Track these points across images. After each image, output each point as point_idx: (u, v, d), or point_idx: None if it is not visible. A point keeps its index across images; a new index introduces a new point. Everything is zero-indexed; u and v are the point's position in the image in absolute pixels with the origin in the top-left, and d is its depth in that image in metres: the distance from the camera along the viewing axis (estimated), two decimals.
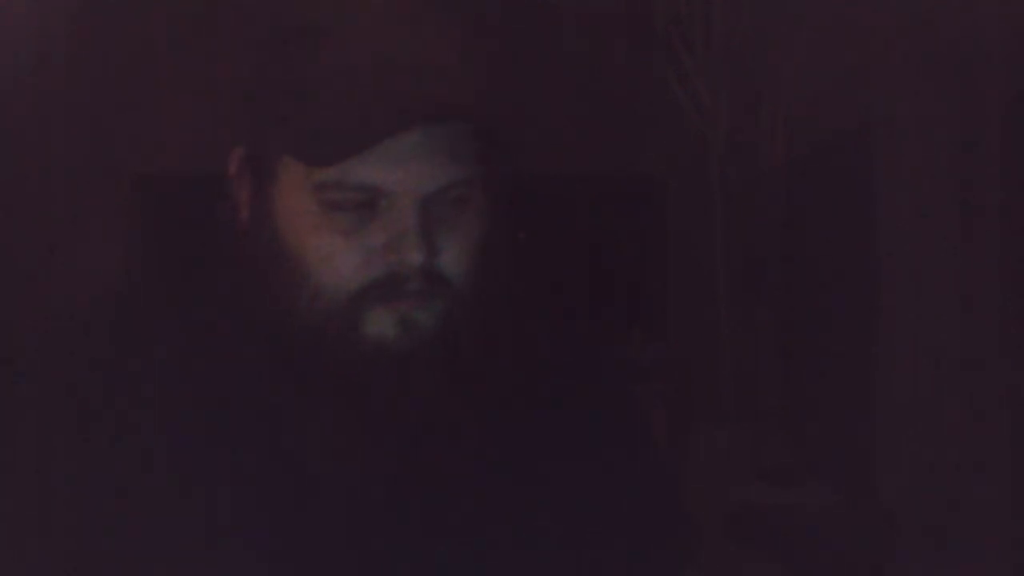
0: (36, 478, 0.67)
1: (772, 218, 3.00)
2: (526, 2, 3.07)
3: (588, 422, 0.72)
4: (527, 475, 0.69)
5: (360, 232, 0.64)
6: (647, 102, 3.34)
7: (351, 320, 0.64)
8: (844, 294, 3.08)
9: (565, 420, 0.72)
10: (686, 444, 2.77)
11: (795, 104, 2.92)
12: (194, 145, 4.10)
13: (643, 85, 3.24)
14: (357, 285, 0.64)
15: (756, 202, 2.99)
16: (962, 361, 2.32)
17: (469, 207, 0.66)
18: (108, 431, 0.68)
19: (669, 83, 2.93)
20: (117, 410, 0.68)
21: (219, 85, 4.03)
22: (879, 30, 2.54)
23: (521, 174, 0.70)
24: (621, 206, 4.11)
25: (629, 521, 0.71)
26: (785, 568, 2.34)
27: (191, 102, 4.09)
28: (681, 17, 2.92)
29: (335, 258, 0.64)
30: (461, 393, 0.65)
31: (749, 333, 3.00)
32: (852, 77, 2.70)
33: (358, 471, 0.65)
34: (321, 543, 0.66)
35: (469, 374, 0.65)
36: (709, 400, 3.04)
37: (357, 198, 0.64)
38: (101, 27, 4.13)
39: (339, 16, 0.66)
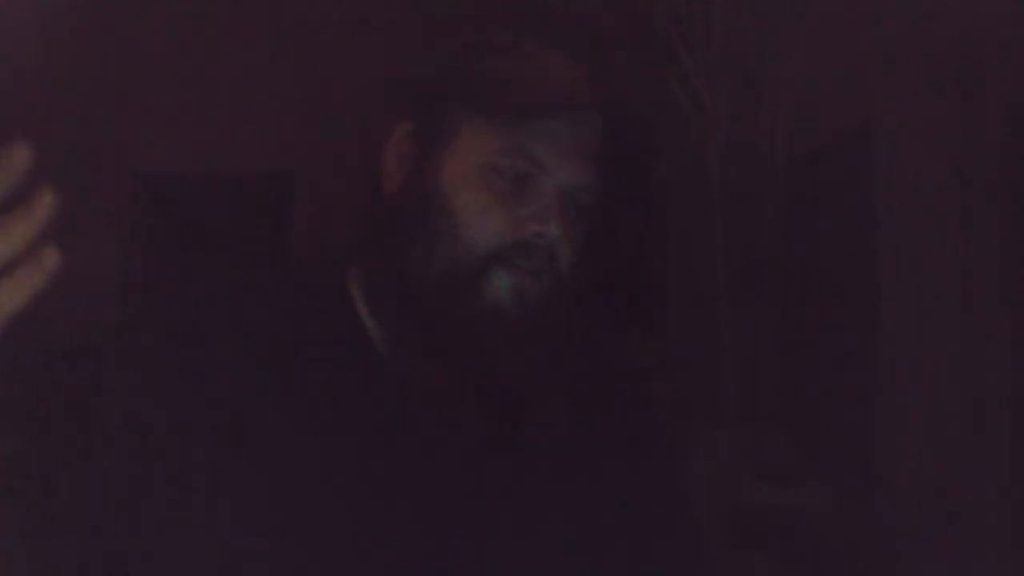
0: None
1: (772, 218, 3.00)
2: (526, 2, 3.07)
3: (598, 420, 0.77)
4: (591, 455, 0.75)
5: (511, 200, 0.74)
6: (647, 102, 3.34)
7: (478, 278, 0.72)
8: (844, 294, 3.08)
9: (581, 418, 0.76)
10: (686, 444, 2.77)
11: (795, 104, 2.93)
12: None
13: (643, 85, 3.25)
14: (496, 244, 0.73)
15: (756, 202, 3.00)
16: (962, 361, 2.32)
17: (589, 212, 0.76)
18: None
19: (669, 83, 2.93)
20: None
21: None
22: (879, 30, 2.54)
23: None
24: (620, 206, 4.12)
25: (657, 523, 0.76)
26: (785, 568, 2.35)
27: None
28: (681, 17, 2.92)
29: (487, 214, 0.73)
30: (551, 366, 0.72)
31: (749, 333, 3.00)
32: (852, 77, 2.71)
33: (461, 419, 0.71)
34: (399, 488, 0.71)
35: (556, 351, 0.72)
36: (709, 400, 3.04)
37: (521, 168, 0.74)
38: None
39: (516, 40, 0.79)
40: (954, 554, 2.25)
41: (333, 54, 4.06)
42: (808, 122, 2.94)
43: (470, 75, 0.78)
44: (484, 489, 0.72)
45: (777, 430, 2.90)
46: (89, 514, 0.71)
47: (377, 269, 0.75)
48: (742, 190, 3.01)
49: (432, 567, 0.70)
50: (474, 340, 0.72)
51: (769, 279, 3.06)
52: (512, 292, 0.72)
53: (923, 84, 2.44)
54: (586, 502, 0.73)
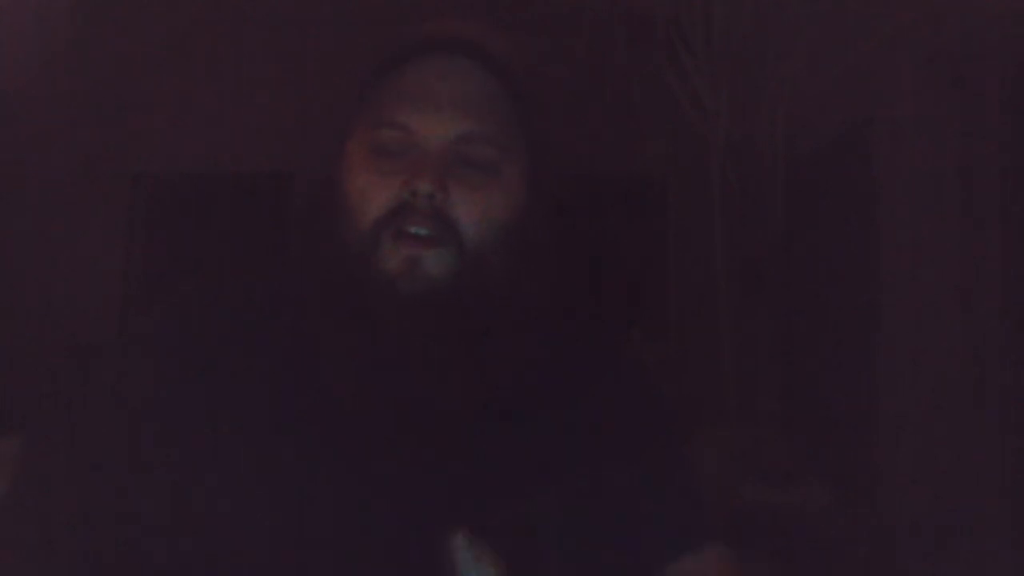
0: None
1: (772, 218, 3.00)
2: (526, 3, 3.08)
3: (585, 412, 0.75)
4: (514, 439, 0.73)
5: (391, 171, 0.72)
6: (647, 102, 3.34)
7: (371, 252, 0.71)
8: (844, 294, 3.08)
9: (558, 407, 0.74)
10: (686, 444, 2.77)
11: (795, 104, 2.93)
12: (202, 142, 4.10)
13: (643, 85, 3.25)
14: (378, 214, 0.71)
15: (756, 202, 3.00)
16: (962, 361, 2.32)
17: (499, 177, 0.72)
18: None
19: (669, 83, 2.93)
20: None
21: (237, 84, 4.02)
22: (879, 30, 2.54)
23: (555, 156, 0.76)
24: (621, 206, 4.13)
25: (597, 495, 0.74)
26: (785, 568, 2.35)
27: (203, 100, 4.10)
28: (681, 17, 2.92)
29: (368, 190, 0.72)
30: (455, 342, 0.69)
31: (749, 333, 3.00)
32: (852, 77, 2.71)
33: (358, 392, 0.70)
34: (319, 470, 0.70)
35: (468, 327, 0.70)
36: (709, 400, 3.04)
37: (397, 138, 0.72)
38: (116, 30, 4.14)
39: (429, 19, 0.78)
40: (954, 554, 2.25)
41: (334, 54, 4.06)
42: (808, 122, 2.94)
43: (368, 75, 0.77)
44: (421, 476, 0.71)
45: (777, 430, 2.90)
46: (89, 512, 0.71)
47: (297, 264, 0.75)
48: (742, 190, 3.01)
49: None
50: (366, 313, 0.70)
51: (769, 279, 3.06)
52: (406, 262, 0.70)
53: (923, 84, 2.44)
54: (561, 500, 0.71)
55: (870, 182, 2.70)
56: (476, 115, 0.71)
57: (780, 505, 2.58)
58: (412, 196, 0.70)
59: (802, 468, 2.72)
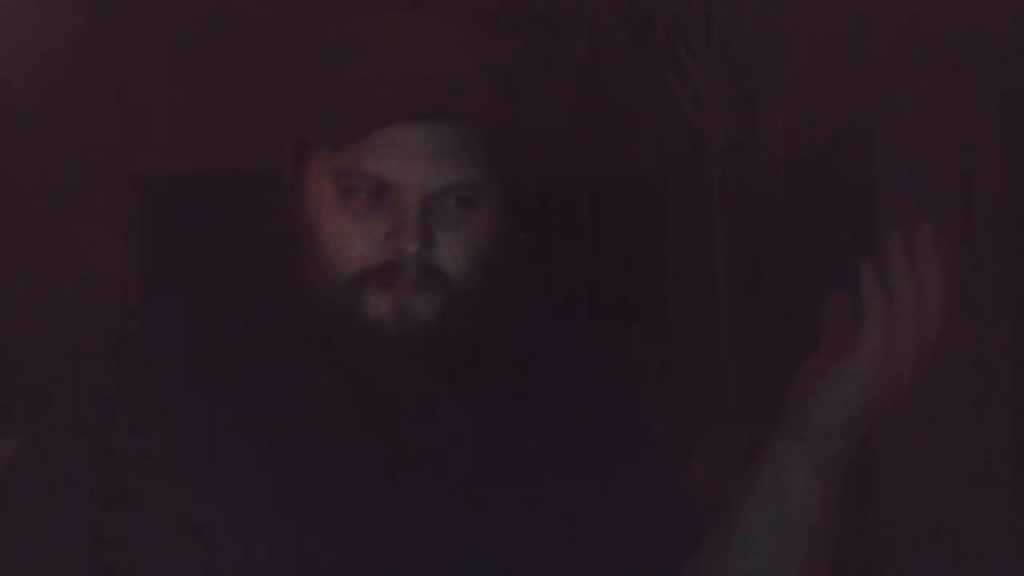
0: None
1: (772, 218, 3.00)
2: (526, 3, 3.07)
3: (579, 421, 0.75)
4: (514, 467, 0.72)
5: (368, 219, 0.70)
6: (647, 102, 3.34)
7: (354, 300, 0.69)
8: (843, 294, 3.06)
9: (556, 418, 0.74)
10: (686, 444, 2.77)
11: (795, 104, 2.92)
12: (196, 146, 4.10)
13: (643, 85, 3.25)
14: (360, 268, 0.69)
15: (756, 202, 2.99)
16: (962, 361, 2.32)
17: (476, 209, 0.71)
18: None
19: (669, 83, 2.93)
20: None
21: (232, 87, 4.02)
22: (879, 30, 2.54)
23: (528, 178, 0.74)
24: (621, 206, 4.12)
25: (616, 517, 0.74)
26: None
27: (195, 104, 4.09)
28: (681, 17, 2.92)
29: (344, 238, 0.70)
30: (450, 381, 0.69)
31: (749, 333, 3.00)
32: (852, 77, 2.70)
33: (350, 443, 0.69)
34: (313, 513, 0.69)
35: (462, 364, 0.69)
36: (709, 400, 3.04)
37: (369, 186, 0.69)
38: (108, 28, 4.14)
39: (385, 32, 0.74)
40: (954, 555, 2.25)
41: None
42: (808, 122, 2.94)
43: (312, 89, 0.74)
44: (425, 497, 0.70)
45: None
46: (86, 513, 0.71)
47: (262, 290, 0.73)
48: (742, 190, 3.00)
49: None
50: (356, 359, 0.69)
51: (769, 279, 3.05)
52: (393, 309, 0.69)
53: (923, 84, 2.44)
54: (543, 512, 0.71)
55: (870, 182, 2.70)
56: (452, 165, 0.70)
57: None
58: (398, 254, 0.69)
59: None
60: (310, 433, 0.69)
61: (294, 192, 0.73)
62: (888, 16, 2.49)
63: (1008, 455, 2.20)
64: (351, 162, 0.69)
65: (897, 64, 2.52)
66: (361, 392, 0.68)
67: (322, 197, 0.71)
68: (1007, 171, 2.25)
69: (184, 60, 4.07)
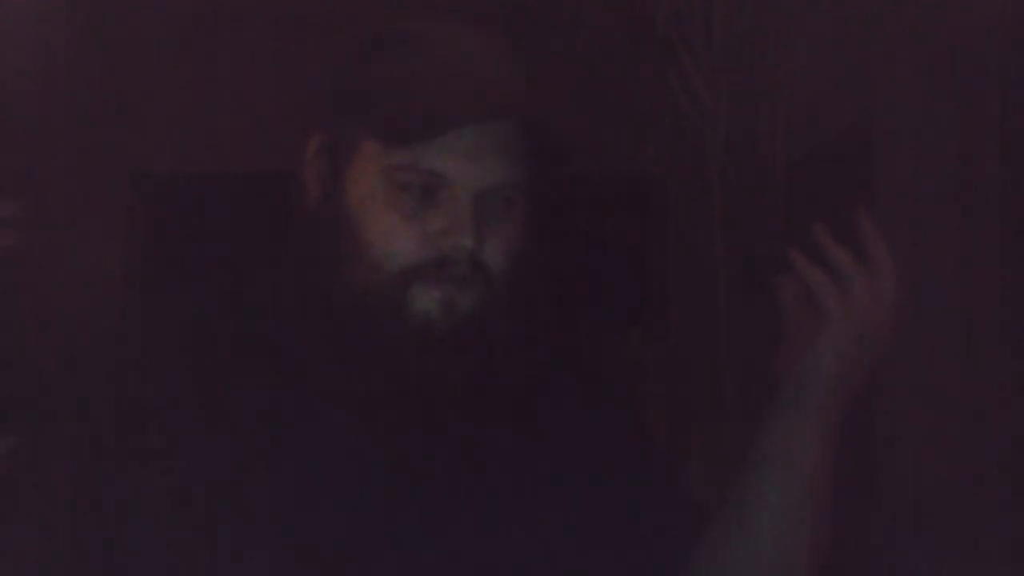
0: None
1: (772, 218, 3.00)
2: (526, 3, 3.07)
3: (581, 420, 0.77)
4: (527, 464, 0.74)
5: (421, 216, 0.73)
6: (647, 102, 3.34)
7: (401, 295, 0.70)
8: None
9: (561, 416, 0.76)
10: (686, 444, 2.77)
11: (795, 104, 2.92)
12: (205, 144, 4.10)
13: (643, 85, 3.25)
14: (411, 263, 0.72)
15: (756, 202, 3.00)
16: (962, 361, 2.32)
17: (516, 208, 0.75)
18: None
19: (669, 83, 2.93)
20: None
21: (225, 84, 4.02)
22: (879, 30, 2.54)
23: (563, 179, 0.76)
24: (621, 206, 4.12)
25: (634, 518, 0.75)
26: None
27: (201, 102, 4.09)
28: (681, 17, 2.92)
29: (396, 235, 0.73)
30: (490, 376, 0.71)
31: (749, 333, 3.00)
32: (852, 77, 2.70)
33: (392, 438, 0.70)
34: (345, 511, 0.70)
35: (502, 359, 0.71)
36: (709, 400, 3.04)
37: (423, 182, 0.73)
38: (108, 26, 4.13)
39: (426, 29, 0.77)
40: (954, 555, 2.25)
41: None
42: (808, 122, 2.94)
43: (361, 85, 0.75)
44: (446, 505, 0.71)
45: None
46: (86, 513, 0.71)
47: (296, 288, 0.73)
48: (742, 190, 3.00)
49: None
50: (403, 354, 0.71)
51: (769, 279, 3.05)
52: (441, 304, 0.72)
53: (923, 84, 2.44)
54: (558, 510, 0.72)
55: (870, 182, 2.70)
56: (504, 164, 0.75)
57: None
58: (452, 250, 0.69)
59: None
60: (350, 429, 0.70)
61: (332, 190, 0.74)
62: (888, 16, 2.49)
63: (1008, 455, 2.20)
64: (409, 159, 0.70)
65: (897, 64, 2.52)
66: (407, 387, 0.70)
67: (370, 194, 0.71)
68: (1007, 171, 2.25)
69: (184, 59, 4.07)
